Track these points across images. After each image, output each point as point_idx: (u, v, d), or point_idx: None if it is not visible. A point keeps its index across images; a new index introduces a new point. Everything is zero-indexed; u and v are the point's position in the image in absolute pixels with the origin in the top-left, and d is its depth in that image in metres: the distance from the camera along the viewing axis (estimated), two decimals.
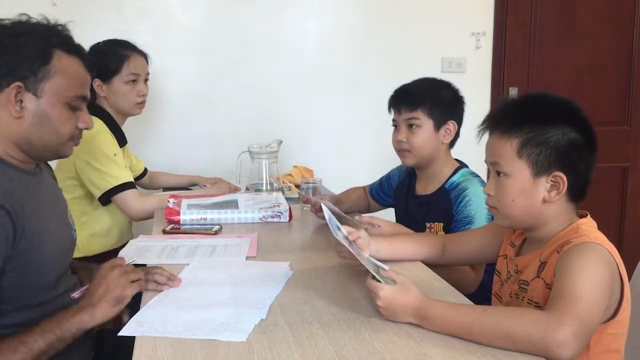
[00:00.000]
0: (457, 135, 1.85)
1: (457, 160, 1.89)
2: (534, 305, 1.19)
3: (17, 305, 1.21)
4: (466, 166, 1.87)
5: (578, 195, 1.22)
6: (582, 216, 1.24)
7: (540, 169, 1.18)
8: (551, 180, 1.18)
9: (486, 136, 1.28)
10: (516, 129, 1.19)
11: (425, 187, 1.88)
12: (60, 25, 1.31)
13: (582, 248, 1.12)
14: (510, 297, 1.28)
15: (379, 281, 1.16)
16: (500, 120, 1.24)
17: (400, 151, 1.86)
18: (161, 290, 1.31)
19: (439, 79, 1.90)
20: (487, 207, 1.29)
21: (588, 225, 1.21)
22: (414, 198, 1.91)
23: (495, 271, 1.38)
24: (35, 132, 1.26)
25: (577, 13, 3.33)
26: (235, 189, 2.37)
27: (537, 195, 1.19)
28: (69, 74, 1.27)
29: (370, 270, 1.19)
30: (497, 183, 1.23)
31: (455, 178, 1.80)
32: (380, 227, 1.61)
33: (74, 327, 1.18)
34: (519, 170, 1.19)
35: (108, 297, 1.21)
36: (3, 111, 1.23)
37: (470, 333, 1.05)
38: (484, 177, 1.84)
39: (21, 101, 1.23)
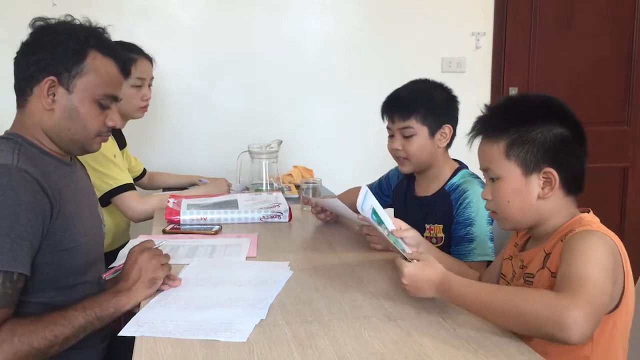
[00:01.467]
0: (453, 136, 1.83)
1: (456, 160, 1.88)
2: None
3: (46, 284, 1.26)
4: (466, 167, 1.87)
5: (575, 187, 1.23)
6: (585, 212, 1.25)
7: (529, 167, 1.20)
8: (543, 177, 1.20)
9: (477, 143, 1.30)
10: (501, 132, 1.22)
11: (425, 188, 1.87)
12: (101, 28, 1.38)
13: (586, 234, 1.14)
14: None
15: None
16: (485, 126, 1.27)
17: (397, 158, 1.86)
18: (162, 290, 1.32)
19: (431, 80, 1.86)
20: (489, 212, 1.32)
21: (591, 218, 1.22)
22: (413, 199, 1.90)
23: (501, 275, 1.38)
24: (64, 125, 1.32)
25: (577, 13, 3.33)
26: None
27: (532, 193, 1.21)
28: (101, 73, 1.33)
29: (399, 251, 1.27)
30: (493, 187, 1.26)
31: (455, 180, 1.79)
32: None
33: (112, 307, 1.24)
34: (510, 172, 1.22)
35: (143, 279, 1.29)
36: (37, 103, 1.30)
37: (486, 309, 1.08)
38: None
39: (54, 94, 1.30)
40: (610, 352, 1.16)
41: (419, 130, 1.78)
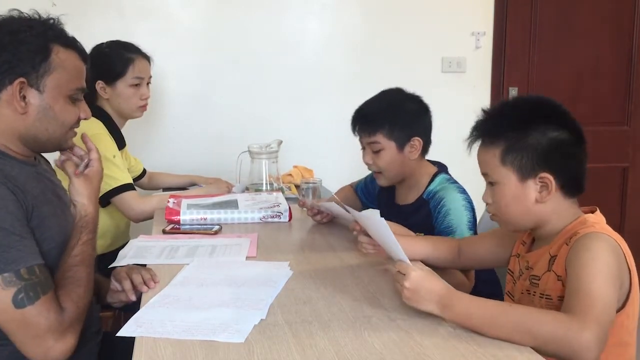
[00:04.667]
0: (427, 145, 1.82)
1: (435, 163, 1.87)
2: (546, 299, 1.20)
3: None
4: (445, 169, 1.85)
5: (575, 189, 1.24)
6: (591, 212, 1.25)
7: (525, 173, 1.21)
8: (539, 182, 1.21)
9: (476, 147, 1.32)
10: (497, 138, 1.24)
11: (405, 197, 1.87)
12: (52, 18, 1.32)
13: (589, 239, 1.14)
14: (522, 293, 1.29)
15: None
16: (482, 132, 1.28)
17: (372, 172, 1.87)
18: (141, 292, 1.34)
19: (400, 91, 1.84)
20: (490, 215, 1.32)
21: (595, 219, 1.22)
22: (395, 208, 1.89)
23: (508, 271, 1.39)
24: (40, 126, 1.27)
25: (577, 13, 3.33)
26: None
27: (529, 197, 1.22)
28: (68, 67, 1.28)
29: (400, 256, 1.21)
30: (492, 191, 1.27)
31: (432, 187, 1.78)
32: None
33: (80, 223, 1.30)
34: (506, 177, 1.23)
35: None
36: (7, 108, 1.24)
37: (493, 326, 1.06)
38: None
39: (24, 97, 1.24)
40: (619, 351, 1.17)
41: (387, 145, 1.77)
